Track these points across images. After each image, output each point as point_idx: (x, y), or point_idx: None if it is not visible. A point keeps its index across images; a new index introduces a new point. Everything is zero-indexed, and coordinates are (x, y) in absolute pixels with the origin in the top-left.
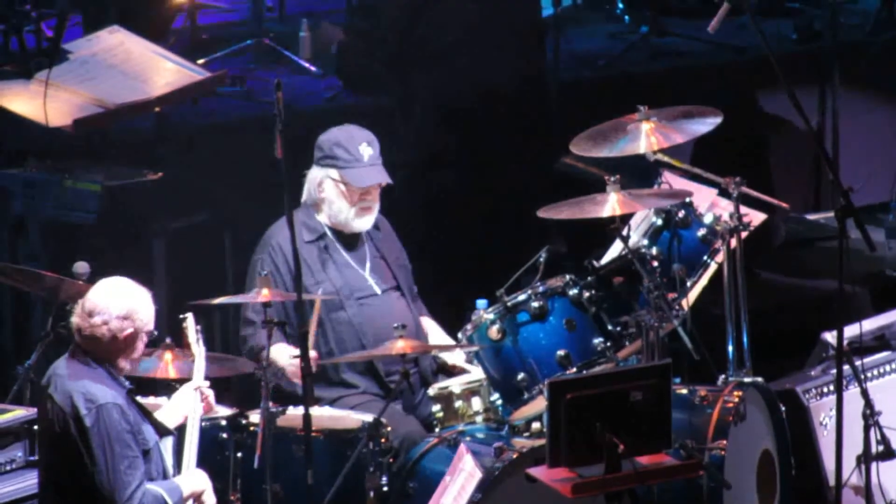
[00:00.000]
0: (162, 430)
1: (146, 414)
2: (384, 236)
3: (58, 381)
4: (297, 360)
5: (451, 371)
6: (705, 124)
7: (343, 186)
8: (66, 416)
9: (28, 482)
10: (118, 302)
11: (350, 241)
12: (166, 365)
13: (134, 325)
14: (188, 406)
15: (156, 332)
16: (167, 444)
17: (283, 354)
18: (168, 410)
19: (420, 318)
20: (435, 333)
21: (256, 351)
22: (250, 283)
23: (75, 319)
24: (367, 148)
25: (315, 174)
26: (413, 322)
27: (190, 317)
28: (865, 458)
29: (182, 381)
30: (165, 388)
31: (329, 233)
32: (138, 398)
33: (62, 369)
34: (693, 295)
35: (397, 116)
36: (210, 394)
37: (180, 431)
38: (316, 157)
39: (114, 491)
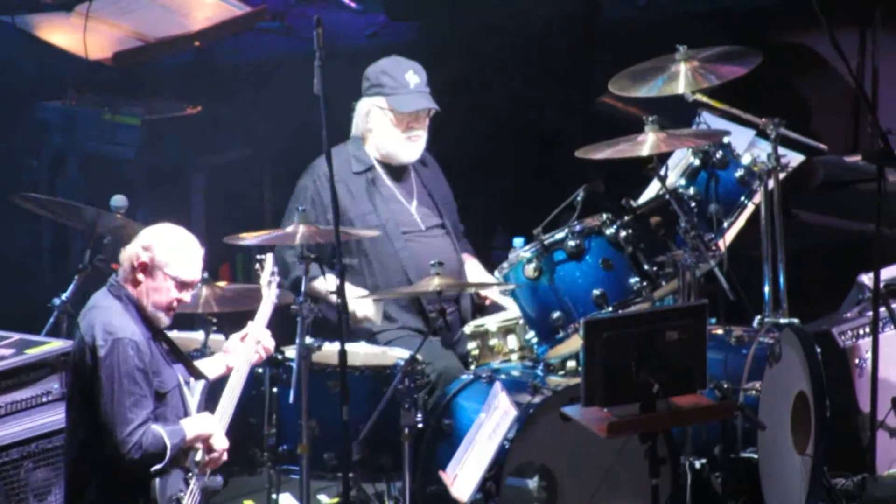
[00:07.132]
0: (196, 374)
1: (177, 355)
2: (431, 173)
3: (87, 311)
4: (365, 301)
5: (488, 308)
6: (745, 65)
7: (391, 114)
8: (85, 345)
9: (63, 414)
10: (150, 235)
11: (398, 175)
12: (203, 300)
13: (150, 256)
14: (239, 358)
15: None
16: (196, 388)
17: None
18: (215, 359)
19: (463, 255)
20: (476, 273)
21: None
22: (289, 210)
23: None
24: (413, 76)
25: (362, 105)
26: (456, 260)
27: (269, 257)
28: None
29: (218, 315)
30: (203, 322)
31: (377, 165)
32: (175, 333)
33: (94, 300)
34: (730, 236)
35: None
36: (271, 345)
37: (222, 380)
38: (363, 87)
39: (115, 425)
